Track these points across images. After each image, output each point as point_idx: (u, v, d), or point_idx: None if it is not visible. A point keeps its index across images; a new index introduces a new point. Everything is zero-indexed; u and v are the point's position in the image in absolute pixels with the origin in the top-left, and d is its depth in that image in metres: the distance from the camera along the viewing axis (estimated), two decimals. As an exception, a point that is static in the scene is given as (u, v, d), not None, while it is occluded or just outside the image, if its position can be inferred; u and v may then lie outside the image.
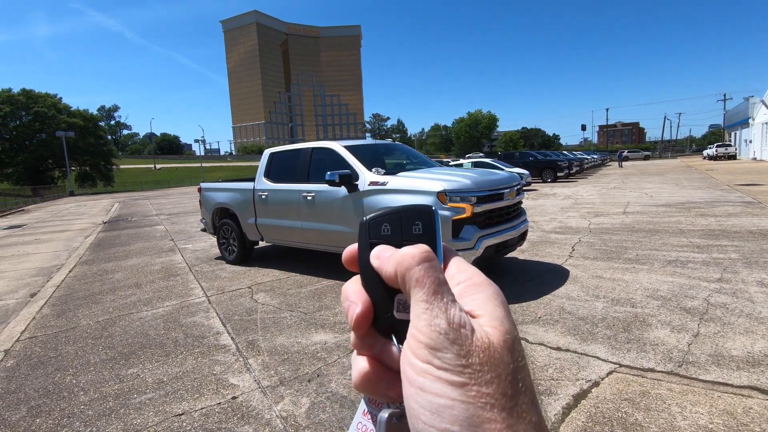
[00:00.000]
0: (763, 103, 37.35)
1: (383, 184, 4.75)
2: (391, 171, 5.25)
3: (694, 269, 4.94)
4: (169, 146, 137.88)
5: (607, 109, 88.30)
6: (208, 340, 3.77)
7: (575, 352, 3.09)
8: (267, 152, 6.32)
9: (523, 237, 5.18)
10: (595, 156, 40.85)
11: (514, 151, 27.62)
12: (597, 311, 3.84)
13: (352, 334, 0.31)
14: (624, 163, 42.45)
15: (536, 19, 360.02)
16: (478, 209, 4.37)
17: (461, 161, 19.89)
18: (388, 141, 6.32)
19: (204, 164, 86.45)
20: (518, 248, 5.95)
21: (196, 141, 79.15)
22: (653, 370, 2.76)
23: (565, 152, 35.73)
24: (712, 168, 28.50)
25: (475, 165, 19.33)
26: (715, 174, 21.57)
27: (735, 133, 51.94)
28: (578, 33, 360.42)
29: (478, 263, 4.41)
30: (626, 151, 68.61)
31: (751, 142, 42.72)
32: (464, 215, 4.30)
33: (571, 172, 24.94)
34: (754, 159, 39.23)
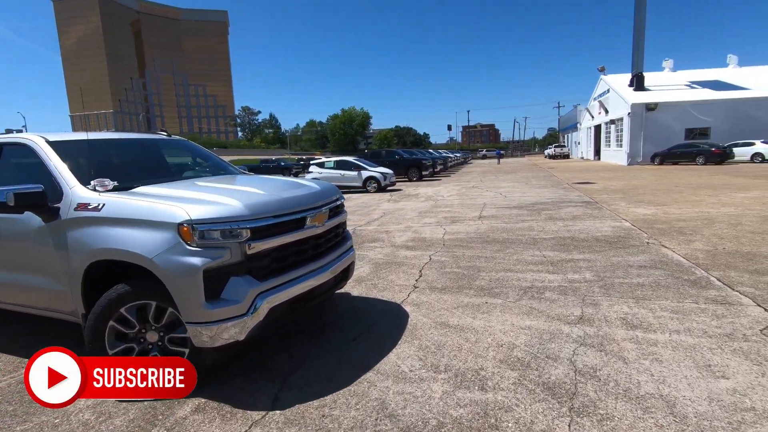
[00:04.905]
0: (587, 110, 43.61)
1: (96, 207, 2.76)
2: (142, 181, 3.24)
3: (552, 302, 4.00)
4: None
5: (468, 111, 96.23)
6: None
7: None
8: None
9: (345, 275, 3.67)
10: (458, 155, 43.31)
11: (380, 150, 27.19)
12: (432, 407, 2.46)
13: None
14: (481, 161, 45.99)
15: (404, 21, 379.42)
16: (256, 248, 2.68)
17: (322, 159, 18.43)
18: (162, 135, 4.28)
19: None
20: (347, 284, 4.47)
21: (9, 131, 63.56)
22: None
23: (431, 150, 36.92)
24: (553, 166, 31.92)
25: (338, 163, 17.97)
26: (555, 172, 23.76)
27: (567, 136, 60.38)
28: (443, 37, 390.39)
29: (259, 332, 2.74)
30: (485, 150, 75.62)
31: (579, 143, 49.83)
32: (227, 261, 2.57)
33: (435, 170, 25.32)
34: (582, 158, 45.71)
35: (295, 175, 33.49)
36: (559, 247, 6.11)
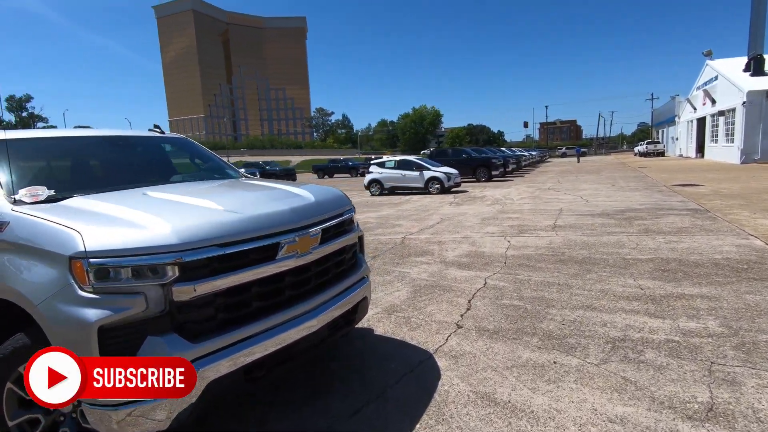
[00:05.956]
0: (689, 101, 38.24)
1: (0, 227, 2.07)
2: (92, 189, 2.54)
3: (658, 371, 2.69)
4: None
5: (546, 107, 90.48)
6: None
7: None
8: None
9: (350, 317, 2.69)
10: (533, 153, 40.33)
11: (447, 148, 25.86)
12: None
13: None
14: (560, 160, 42.58)
15: (478, 17, 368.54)
16: (190, 292, 1.81)
17: (383, 159, 17.67)
18: (155, 132, 3.62)
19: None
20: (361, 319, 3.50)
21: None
22: None
23: (503, 149, 34.72)
24: (645, 165, 28.25)
25: (399, 163, 17.07)
26: (648, 172, 20.74)
27: (662, 131, 53.91)
28: (517, 33, 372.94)
29: (198, 414, 1.86)
30: (565, 147, 70.67)
31: (677, 139, 44.04)
32: (140, 313, 1.72)
33: (507, 170, 23.44)
34: (680, 156, 40.28)
35: (362, 174, 33.28)
36: (662, 274, 4.60)
